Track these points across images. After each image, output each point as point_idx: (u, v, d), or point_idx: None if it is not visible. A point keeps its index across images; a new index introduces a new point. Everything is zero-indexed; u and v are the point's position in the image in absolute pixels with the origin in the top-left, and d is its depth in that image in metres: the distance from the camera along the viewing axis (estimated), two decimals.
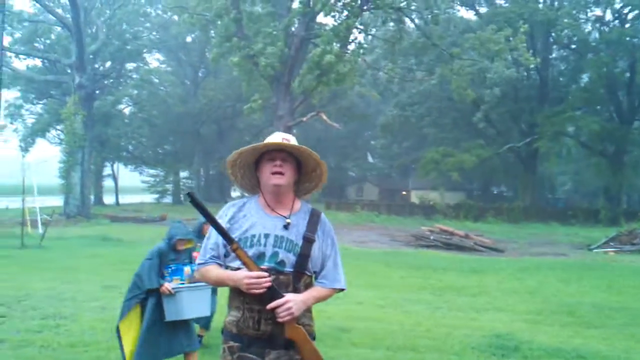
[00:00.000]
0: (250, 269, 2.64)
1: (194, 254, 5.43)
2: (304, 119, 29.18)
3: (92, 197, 43.12)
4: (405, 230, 28.40)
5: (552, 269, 15.23)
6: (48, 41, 41.07)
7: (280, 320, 2.63)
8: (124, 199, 54.97)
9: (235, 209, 2.89)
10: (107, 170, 55.29)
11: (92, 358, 6.05)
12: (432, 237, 22.73)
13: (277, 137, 2.88)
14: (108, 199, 53.13)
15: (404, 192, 56.76)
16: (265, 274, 2.62)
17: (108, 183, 56.05)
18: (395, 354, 6.63)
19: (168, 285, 5.21)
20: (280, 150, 2.82)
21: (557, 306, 9.96)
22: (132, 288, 5.38)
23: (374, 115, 49.96)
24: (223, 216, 2.87)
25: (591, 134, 36.95)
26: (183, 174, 58.65)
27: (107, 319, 8.04)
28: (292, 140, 2.88)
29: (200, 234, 6.30)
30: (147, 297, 5.30)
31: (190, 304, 5.28)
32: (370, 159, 62.24)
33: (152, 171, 57.76)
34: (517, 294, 11.27)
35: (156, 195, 58.48)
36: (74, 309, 8.72)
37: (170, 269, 5.37)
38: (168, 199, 57.96)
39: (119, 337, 5.25)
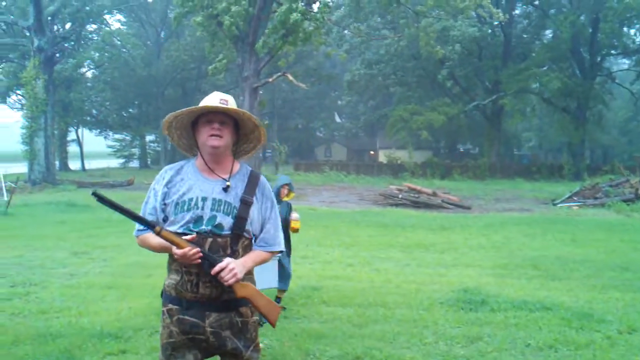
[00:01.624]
0: (179, 247, 2.60)
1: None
2: (270, 79, 28.86)
3: (57, 163, 42.38)
4: (374, 190, 28.62)
5: (518, 224, 15.52)
6: (4, 3, 39.63)
7: (226, 283, 2.62)
8: (90, 165, 54.23)
9: (173, 172, 2.86)
10: (71, 136, 54.36)
11: (64, 324, 6.02)
12: (400, 196, 22.95)
13: (215, 98, 2.81)
14: (74, 165, 52.41)
15: (372, 152, 57.03)
16: (195, 248, 2.59)
17: (73, 148, 55.13)
18: (366, 310, 6.73)
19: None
20: (218, 112, 2.78)
21: (523, 260, 10.19)
22: None
23: (341, 75, 49.78)
24: (160, 180, 2.85)
25: (554, 91, 37.36)
26: (149, 137, 57.96)
27: (76, 285, 8.02)
28: (230, 100, 2.83)
29: (278, 198, 6.22)
30: None
31: (258, 275, 5.27)
32: (337, 119, 62.20)
33: (117, 135, 57.02)
34: (484, 250, 11.49)
35: (122, 160, 57.81)
36: (43, 276, 8.63)
37: None
38: (135, 164, 57.37)
39: None
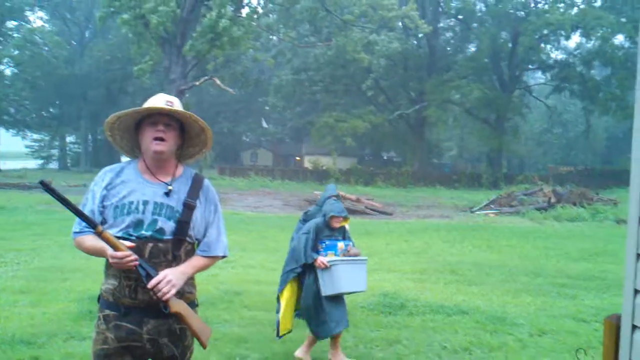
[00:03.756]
0: (116, 249, 2.51)
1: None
2: (197, 83, 28.57)
3: None
4: (299, 195, 28.70)
5: (437, 231, 15.92)
6: None
7: (163, 297, 2.55)
8: (5, 165, 51.86)
9: (113, 174, 2.75)
10: None
11: None
12: None
13: (160, 100, 2.72)
14: None
15: (297, 158, 57.17)
16: (130, 254, 2.50)
17: None
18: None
19: (323, 259, 5.10)
20: (163, 114, 2.69)
21: (441, 265, 10.45)
22: (289, 261, 5.32)
23: (268, 81, 49.69)
24: (99, 182, 2.73)
25: (475, 102, 38.57)
26: (69, 138, 56.19)
27: None
28: (176, 103, 2.74)
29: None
30: (305, 271, 5.23)
31: (347, 277, 5.14)
32: (264, 124, 62.04)
33: (36, 136, 54.97)
34: (405, 255, 11.73)
35: (41, 161, 55.72)
36: None
37: (324, 244, 5.26)
38: (54, 165, 55.38)
39: (279, 305, 5.26)
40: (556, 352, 5.68)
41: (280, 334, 5.26)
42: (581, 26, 35.49)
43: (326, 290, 5.15)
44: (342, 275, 5.12)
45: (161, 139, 2.66)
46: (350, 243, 5.44)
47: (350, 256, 5.27)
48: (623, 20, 35.41)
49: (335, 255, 5.25)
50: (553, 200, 23.11)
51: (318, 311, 5.17)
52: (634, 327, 2.33)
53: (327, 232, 5.32)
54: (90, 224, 2.54)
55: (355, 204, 22.86)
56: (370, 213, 21.88)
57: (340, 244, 5.33)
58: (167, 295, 2.55)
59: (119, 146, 2.86)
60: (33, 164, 54.92)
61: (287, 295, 5.32)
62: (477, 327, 6.42)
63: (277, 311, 5.33)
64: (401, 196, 31.75)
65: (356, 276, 5.26)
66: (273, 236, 14.10)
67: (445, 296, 7.91)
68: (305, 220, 5.84)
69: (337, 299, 5.27)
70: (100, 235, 2.51)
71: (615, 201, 23.35)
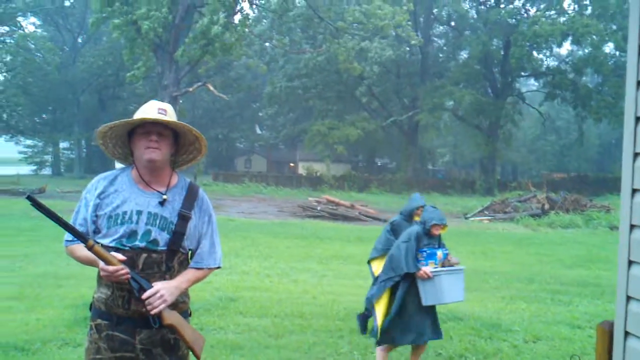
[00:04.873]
0: (108, 263, 2.48)
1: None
2: (190, 89, 28.58)
3: None
4: (293, 201, 28.70)
5: None
6: None
7: (153, 311, 2.52)
8: None
9: (106, 183, 2.71)
10: None
11: None
12: (318, 208, 23.13)
13: (153, 107, 2.68)
14: None
15: (291, 164, 57.15)
16: (122, 267, 2.48)
17: None
18: (283, 321, 6.76)
19: (426, 269, 5.04)
20: (156, 123, 2.65)
21: None
22: (387, 270, 5.24)
23: (261, 87, 49.71)
24: (92, 190, 2.70)
25: (468, 108, 38.68)
26: (63, 144, 55.87)
27: None
28: (169, 110, 2.71)
29: (411, 219, 6.03)
30: (401, 280, 5.16)
31: (448, 287, 5.10)
32: (258, 130, 62.02)
33: (29, 141, 54.71)
34: None
35: (34, 167, 55.51)
36: None
37: (425, 253, 5.19)
38: (47, 171, 55.17)
39: (374, 314, 5.20)
40: (551, 358, 5.71)
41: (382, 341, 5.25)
42: (571, 33, 35.68)
43: (427, 300, 5.11)
44: (444, 285, 5.09)
45: (155, 148, 2.63)
46: (448, 252, 5.39)
47: (449, 265, 5.23)
48: (613, 28, 35.63)
49: (435, 264, 5.20)
50: (547, 206, 23.23)
51: (406, 320, 5.13)
52: (627, 333, 2.35)
53: (425, 240, 5.26)
54: (81, 238, 2.51)
55: (349, 210, 22.92)
56: (365, 219, 21.92)
57: (439, 253, 5.27)
58: (156, 310, 2.53)
59: (111, 154, 2.83)
60: (26, 169, 54.63)
61: (383, 302, 5.28)
62: (472, 333, 6.45)
63: (375, 321, 5.29)
64: (395, 202, 31.75)
65: (457, 286, 5.23)
66: (266, 242, 14.11)
67: None
68: (393, 230, 5.83)
69: (428, 309, 5.22)
70: (91, 249, 2.48)
71: (609, 208, 23.45)
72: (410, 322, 5.15)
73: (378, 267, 5.85)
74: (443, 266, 5.20)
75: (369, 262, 6.10)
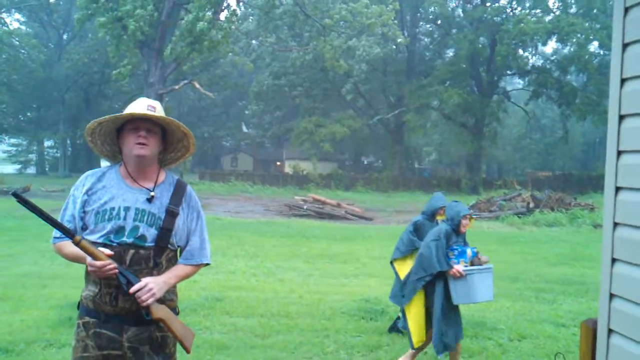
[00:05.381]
0: (95, 259, 2.48)
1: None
2: (177, 87, 28.44)
3: None
4: (279, 200, 28.67)
5: None
6: None
7: (142, 304, 2.53)
8: None
9: (94, 179, 2.72)
10: None
11: None
12: (305, 207, 23.12)
13: (142, 104, 2.68)
14: None
15: (278, 163, 57.12)
16: (110, 262, 2.48)
17: None
18: (269, 320, 6.75)
19: (458, 267, 4.97)
20: (145, 119, 2.66)
21: None
22: (417, 270, 5.17)
23: (248, 84, 49.62)
24: (80, 187, 2.70)
25: (453, 107, 38.78)
26: (48, 142, 55.41)
27: None
28: (158, 107, 2.72)
29: (434, 219, 5.99)
30: (434, 279, 5.08)
31: (480, 286, 5.03)
32: (244, 128, 61.90)
33: (13, 140, 54.26)
34: (385, 260, 11.64)
35: (18, 166, 55.08)
36: None
37: (456, 251, 5.12)
38: (32, 170, 54.76)
39: (405, 318, 5.17)
40: (535, 356, 5.74)
41: (415, 346, 5.20)
42: (556, 32, 35.92)
43: (458, 299, 5.07)
44: (476, 284, 5.03)
45: (143, 144, 2.64)
46: (477, 250, 5.32)
47: (478, 264, 5.16)
48: (597, 26, 35.90)
49: (465, 262, 5.15)
50: (532, 205, 23.36)
51: (442, 321, 5.04)
52: (610, 331, 2.36)
53: (454, 238, 5.20)
54: (67, 234, 2.51)
55: (335, 208, 22.92)
56: (351, 218, 21.93)
57: (469, 251, 5.22)
58: (148, 302, 2.53)
59: (100, 151, 2.83)
60: (10, 168, 54.19)
61: (417, 304, 5.24)
62: None
63: (406, 328, 5.26)
64: (381, 201, 31.86)
65: (487, 285, 5.16)
66: (252, 241, 14.09)
67: None
68: (416, 230, 5.83)
69: (456, 309, 5.19)
70: (78, 244, 2.48)
71: (593, 206, 23.62)
72: (457, 321, 5.14)
73: (400, 268, 5.86)
74: (472, 264, 5.15)
75: (391, 263, 6.14)
